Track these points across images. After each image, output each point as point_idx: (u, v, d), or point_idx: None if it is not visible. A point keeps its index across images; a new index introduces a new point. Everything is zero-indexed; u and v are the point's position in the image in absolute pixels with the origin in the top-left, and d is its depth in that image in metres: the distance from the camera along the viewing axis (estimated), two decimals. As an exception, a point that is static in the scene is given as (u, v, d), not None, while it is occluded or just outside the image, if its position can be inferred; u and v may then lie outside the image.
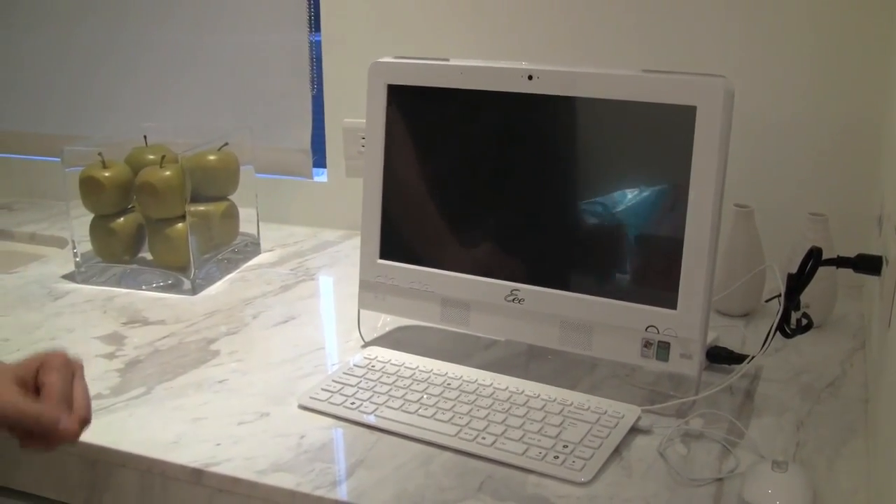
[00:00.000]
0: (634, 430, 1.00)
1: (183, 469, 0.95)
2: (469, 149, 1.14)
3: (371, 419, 1.02)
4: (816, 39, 1.40)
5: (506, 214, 1.12)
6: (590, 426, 0.99)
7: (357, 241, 1.22)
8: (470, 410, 1.03)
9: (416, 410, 1.03)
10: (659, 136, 1.03)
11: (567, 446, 0.95)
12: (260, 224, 1.66)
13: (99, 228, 1.50)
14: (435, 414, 1.02)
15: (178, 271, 1.46)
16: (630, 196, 1.06)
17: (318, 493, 0.89)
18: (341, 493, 0.90)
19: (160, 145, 1.55)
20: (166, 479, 0.97)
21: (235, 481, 0.93)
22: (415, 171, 1.17)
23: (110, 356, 1.21)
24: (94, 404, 1.06)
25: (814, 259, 1.09)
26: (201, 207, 1.51)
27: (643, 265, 1.07)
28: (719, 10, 1.44)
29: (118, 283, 1.48)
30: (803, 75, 1.42)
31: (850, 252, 1.12)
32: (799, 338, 1.11)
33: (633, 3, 1.48)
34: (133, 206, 1.51)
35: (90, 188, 1.48)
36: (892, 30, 1.34)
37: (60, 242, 1.75)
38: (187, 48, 1.86)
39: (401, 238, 1.18)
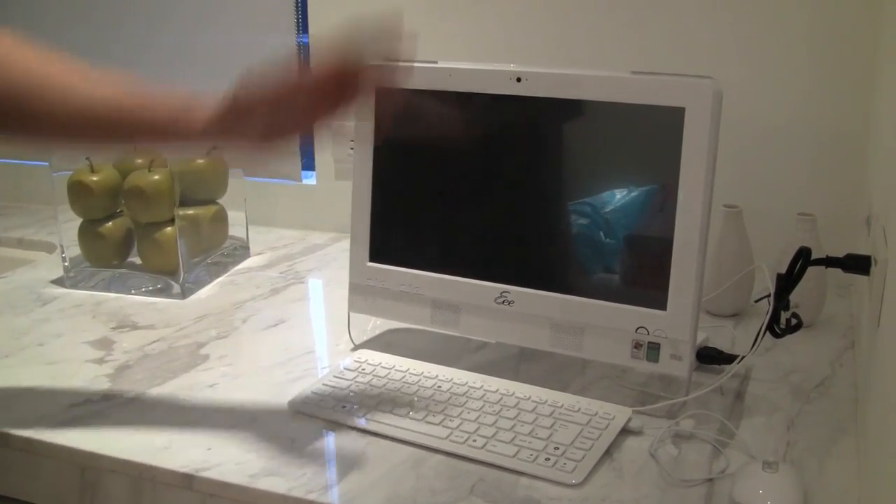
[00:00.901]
0: (625, 432, 1.00)
1: (174, 474, 0.95)
2: (458, 151, 1.14)
3: (362, 422, 1.02)
4: (805, 40, 1.40)
5: (495, 216, 1.12)
6: (581, 428, 0.99)
7: (346, 244, 1.22)
8: (460, 413, 1.03)
9: (407, 413, 1.03)
10: (647, 137, 1.03)
11: (558, 448, 0.95)
12: (249, 227, 1.66)
13: (87, 233, 1.50)
14: (426, 416, 1.02)
15: (168, 275, 1.46)
16: (619, 196, 1.06)
17: (310, 497, 0.89)
18: (333, 496, 0.89)
19: (149, 149, 1.55)
20: (157, 485, 0.96)
21: (227, 486, 0.93)
22: (404, 174, 1.17)
23: (100, 361, 1.20)
24: (84, 409, 1.06)
25: (803, 259, 1.09)
26: (190, 211, 1.51)
27: (632, 266, 1.07)
28: (708, 11, 1.44)
29: (107, 288, 1.48)
30: (791, 76, 1.42)
31: (839, 252, 1.12)
32: (789, 338, 1.11)
33: (621, 4, 1.49)
34: (122, 211, 1.51)
35: (78, 192, 1.47)
36: (879, 31, 1.35)
37: (49, 247, 1.74)
38: (175, 50, 1.85)
39: (390, 241, 1.18)
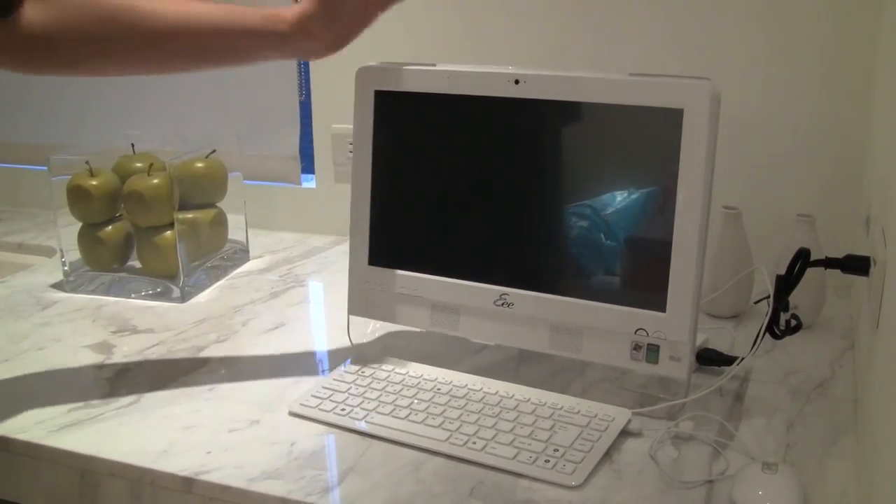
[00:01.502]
0: (625, 433, 1.00)
1: (173, 478, 0.95)
2: (457, 153, 1.14)
3: (362, 425, 1.02)
4: (804, 42, 1.40)
5: (494, 219, 1.12)
6: (580, 430, 0.99)
7: (346, 247, 1.22)
8: (460, 415, 1.03)
9: (407, 416, 1.03)
10: (646, 139, 1.03)
11: (557, 450, 0.95)
12: (248, 231, 1.66)
13: (87, 237, 1.50)
14: (425, 419, 1.02)
15: (167, 279, 1.46)
16: (619, 198, 1.06)
17: (310, 500, 0.89)
18: (333, 499, 0.89)
19: (147, 153, 1.55)
20: (156, 488, 0.96)
21: (226, 489, 0.93)
22: (403, 177, 1.17)
23: (100, 365, 1.20)
24: (84, 413, 1.06)
25: (802, 260, 1.09)
26: (189, 215, 1.51)
27: (632, 268, 1.07)
28: (706, 13, 1.44)
29: (107, 292, 1.48)
30: (791, 77, 1.42)
31: (838, 253, 1.12)
32: (788, 339, 1.11)
33: (619, 6, 1.49)
34: (121, 215, 1.51)
35: (78, 197, 1.47)
36: (878, 32, 1.35)
37: (48, 251, 1.74)
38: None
39: (389, 243, 1.18)
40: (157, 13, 1.04)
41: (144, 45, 1.05)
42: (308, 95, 1.76)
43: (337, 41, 1.11)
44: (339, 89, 1.70)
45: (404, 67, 1.15)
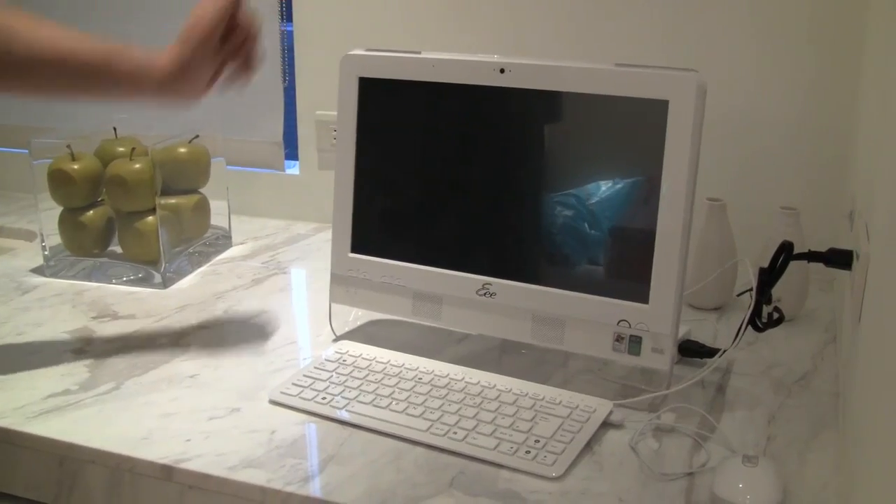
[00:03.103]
0: (606, 425, 1.00)
1: (153, 465, 0.94)
2: (441, 142, 1.13)
3: (342, 414, 1.02)
4: (791, 35, 1.40)
5: (478, 208, 1.11)
6: (561, 421, 0.99)
7: (329, 235, 1.21)
8: (441, 405, 1.02)
9: (388, 405, 1.03)
10: (631, 129, 1.03)
11: (539, 441, 0.95)
12: (231, 217, 1.65)
13: (68, 221, 1.49)
14: (406, 409, 1.02)
15: (149, 265, 1.45)
16: (604, 188, 1.06)
17: (289, 489, 0.89)
18: (313, 488, 0.89)
19: (130, 138, 1.54)
20: (136, 476, 0.96)
21: (206, 477, 0.92)
22: (387, 165, 1.17)
23: (79, 351, 1.20)
24: (63, 399, 1.06)
25: (785, 253, 1.09)
26: (172, 200, 1.50)
27: (615, 259, 1.07)
28: (693, 4, 1.44)
29: (88, 277, 1.47)
30: (776, 71, 1.42)
31: (822, 246, 1.13)
32: (770, 332, 1.11)
33: (606, -4, 1.48)
34: (103, 199, 1.50)
35: (59, 181, 1.46)
36: (864, 26, 1.35)
37: (29, 235, 1.73)
38: (156, 38, 1.83)
39: (372, 232, 1.18)
40: (32, 38, 1.02)
41: (13, 68, 1.02)
42: (292, 81, 1.75)
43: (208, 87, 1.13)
44: (324, 75, 1.69)
45: (389, 54, 1.14)
